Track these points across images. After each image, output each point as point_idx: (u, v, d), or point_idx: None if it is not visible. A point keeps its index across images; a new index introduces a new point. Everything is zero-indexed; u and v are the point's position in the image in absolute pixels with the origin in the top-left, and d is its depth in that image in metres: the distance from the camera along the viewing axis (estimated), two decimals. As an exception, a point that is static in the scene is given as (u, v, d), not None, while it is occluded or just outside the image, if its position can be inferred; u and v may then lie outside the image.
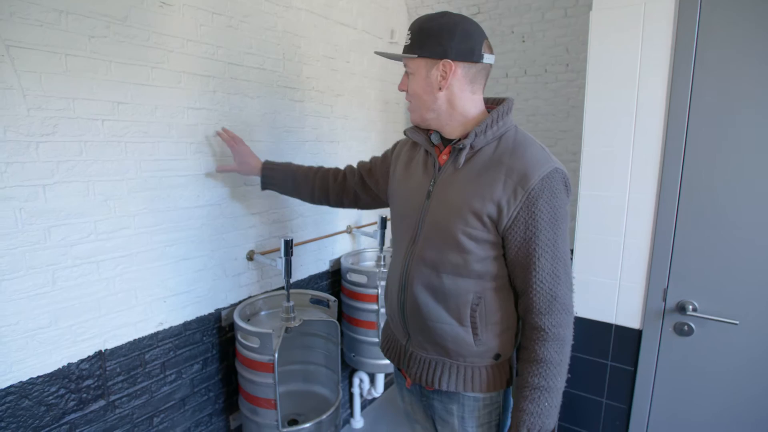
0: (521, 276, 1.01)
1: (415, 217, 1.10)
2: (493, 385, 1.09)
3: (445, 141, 1.10)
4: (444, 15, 1.02)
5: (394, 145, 1.32)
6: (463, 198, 1.01)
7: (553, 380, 0.99)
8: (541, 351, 0.99)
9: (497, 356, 1.08)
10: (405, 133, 1.18)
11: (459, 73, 1.01)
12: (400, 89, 1.11)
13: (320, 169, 1.50)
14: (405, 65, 1.08)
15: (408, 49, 1.04)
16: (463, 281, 1.04)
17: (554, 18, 2.32)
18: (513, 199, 0.96)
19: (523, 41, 2.45)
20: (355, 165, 1.46)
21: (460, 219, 1.00)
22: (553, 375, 0.99)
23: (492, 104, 1.10)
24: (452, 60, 0.99)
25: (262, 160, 1.56)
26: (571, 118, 2.41)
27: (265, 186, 1.55)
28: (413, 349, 1.15)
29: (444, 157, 1.09)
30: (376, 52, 1.18)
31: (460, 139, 1.04)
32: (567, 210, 0.99)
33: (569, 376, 1.04)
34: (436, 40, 1.00)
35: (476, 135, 1.01)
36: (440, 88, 1.02)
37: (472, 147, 1.02)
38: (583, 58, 2.29)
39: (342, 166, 1.50)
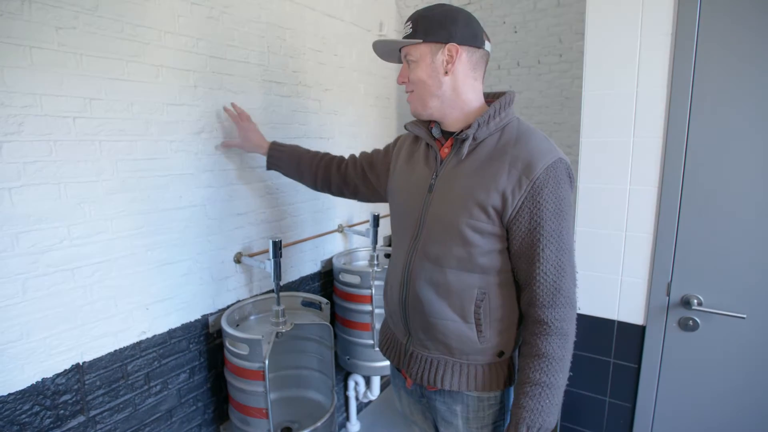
0: (525, 268, 0.98)
1: (417, 212, 1.07)
2: (496, 384, 1.06)
3: (446, 135, 1.08)
4: (443, 5, 1.03)
5: (396, 140, 1.30)
6: (467, 190, 0.99)
7: (554, 376, 0.96)
8: (543, 346, 0.96)
9: (500, 353, 1.05)
10: (406, 127, 1.17)
11: (464, 57, 1.01)
12: (400, 82, 1.08)
13: (325, 156, 1.48)
14: (406, 55, 1.05)
15: (410, 37, 1.02)
16: (467, 276, 1.01)
17: (546, 7, 2.27)
18: (518, 189, 0.94)
19: (515, 32, 2.39)
20: (357, 155, 1.42)
21: (464, 211, 0.98)
22: (554, 371, 0.96)
23: (490, 98, 1.09)
24: (458, 44, 0.99)
25: (269, 140, 1.56)
26: (565, 109, 2.36)
27: (270, 166, 1.55)
28: (414, 348, 1.11)
29: (446, 150, 1.07)
30: (376, 42, 1.08)
31: (462, 130, 1.02)
32: (571, 201, 0.98)
33: (571, 373, 1.01)
34: (440, 25, 1.00)
35: (479, 125, 0.99)
36: (446, 72, 1.01)
37: (474, 138, 1.01)
38: (577, 48, 2.24)
39: None
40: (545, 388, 0.95)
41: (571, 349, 0.99)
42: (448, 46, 1.00)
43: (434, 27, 1.00)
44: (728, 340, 1.35)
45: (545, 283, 0.95)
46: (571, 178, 0.98)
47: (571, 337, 0.98)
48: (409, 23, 1.03)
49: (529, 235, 0.95)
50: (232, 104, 1.58)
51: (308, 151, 1.52)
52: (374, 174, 1.34)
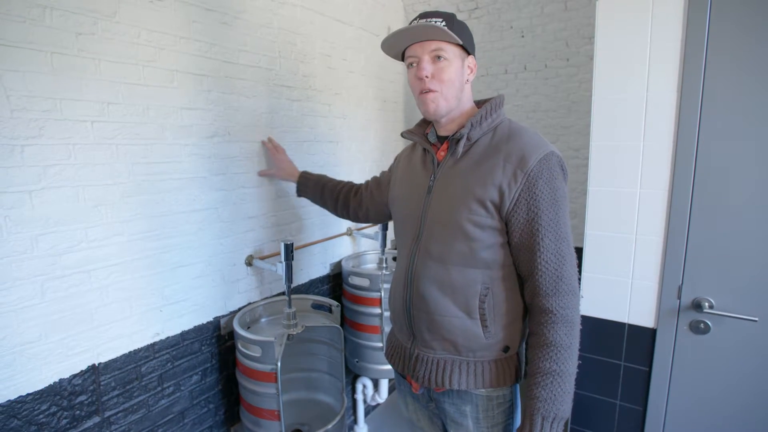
0: (526, 259, 1.01)
1: (417, 214, 1.10)
2: (504, 380, 1.07)
3: (441, 139, 1.12)
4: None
5: (395, 158, 1.36)
6: (464, 187, 1.02)
7: (564, 364, 0.97)
8: (550, 334, 0.98)
9: (506, 348, 1.07)
10: (402, 135, 1.20)
11: (474, 71, 1.08)
12: (424, 76, 1.01)
13: (347, 184, 1.55)
14: (436, 49, 1.01)
15: (451, 33, 0.98)
16: (470, 271, 1.03)
17: (554, 12, 2.28)
18: (513, 182, 0.97)
19: (522, 36, 2.40)
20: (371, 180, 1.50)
21: (464, 207, 1.01)
22: (564, 359, 0.97)
23: (480, 104, 1.13)
24: (474, 58, 1.05)
25: (300, 169, 1.68)
26: (572, 113, 2.37)
27: (300, 193, 1.67)
28: (419, 350, 1.12)
29: (442, 153, 1.10)
30: (416, 26, 0.98)
31: (457, 131, 1.06)
32: (565, 192, 1.01)
33: (579, 366, 1.01)
34: (468, 34, 1.04)
35: (472, 125, 1.03)
36: (467, 81, 1.07)
37: (469, 138, 1.04)
38: (584, 52, 2.25)
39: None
40: (556, 377, 0.96)
41: (578, 337, 1.00)
42: (470, 57, 1.04)
43: (466, 34, 1.04)
44: (740, 344, 1.35)
45: (547, 273, 0.98)
46: (564, 170, 1.01)
47: (577, 325, 1.00)
48: (440, 19, 0.98)
49: (528, 226, 0.98)
50: (269, 138, 1.71)
51: (332, 180, 1.60)
52: (379, 191, 1.39)
